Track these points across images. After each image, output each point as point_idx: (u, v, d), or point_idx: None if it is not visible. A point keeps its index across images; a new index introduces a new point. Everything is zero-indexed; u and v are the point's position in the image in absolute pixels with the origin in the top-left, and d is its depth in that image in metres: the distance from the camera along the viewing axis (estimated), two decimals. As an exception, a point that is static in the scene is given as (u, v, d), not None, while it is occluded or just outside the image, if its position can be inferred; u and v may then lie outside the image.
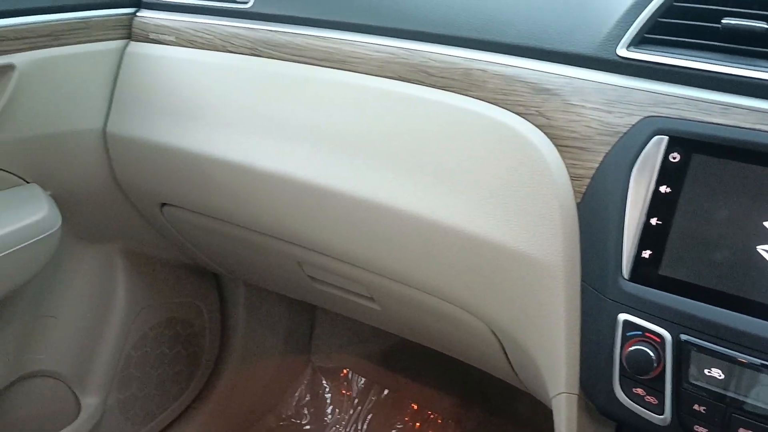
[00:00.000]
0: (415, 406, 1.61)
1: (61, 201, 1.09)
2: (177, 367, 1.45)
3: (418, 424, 1.59)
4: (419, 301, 0.96)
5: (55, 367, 1.25)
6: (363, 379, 1.66)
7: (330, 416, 1.65)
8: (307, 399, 1.68)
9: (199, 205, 1.10)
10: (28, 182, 1.07)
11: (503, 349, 0.92)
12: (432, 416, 1.60)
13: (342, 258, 0.98)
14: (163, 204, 1.16)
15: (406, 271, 0.91)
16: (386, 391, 1.64)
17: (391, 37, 0.90)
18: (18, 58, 0.96)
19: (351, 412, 1.64)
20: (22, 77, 0.97)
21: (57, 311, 1.23)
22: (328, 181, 0.92)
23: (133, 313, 1.33)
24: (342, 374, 1.68)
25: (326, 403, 1.66)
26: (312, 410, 1.66)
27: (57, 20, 1.00)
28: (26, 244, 0.99)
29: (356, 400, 1.65)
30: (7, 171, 1.03)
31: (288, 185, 0.95)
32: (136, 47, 1.09)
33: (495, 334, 0.90)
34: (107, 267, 1.29)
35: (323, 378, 1.69)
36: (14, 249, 0.97)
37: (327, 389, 1.67)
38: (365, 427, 1.61)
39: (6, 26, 0.94)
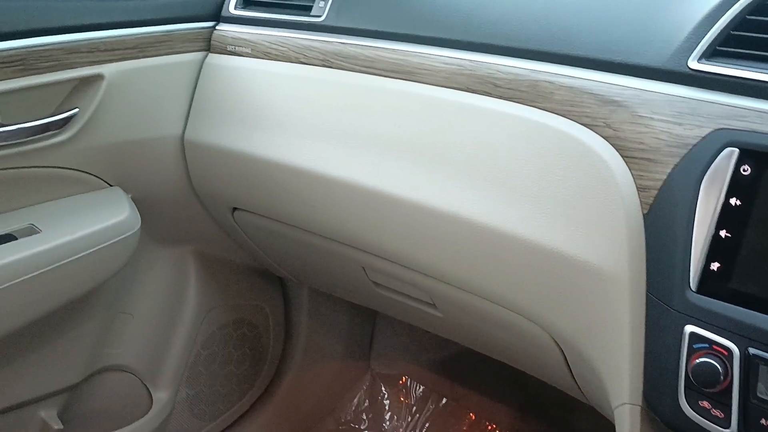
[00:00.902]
0: (473, 416, 1.61)
1: (139, 203, 1.15)
2: (242, 367, 1.50)
3: (475, 434, 1.60)
4: (482, 309, 0.97)
5: (129, 362, 1.31)
6: (422, 387, 1.67)
7: (388, 423, 1.66)
8: (366, 404, 1.70)
9: (269, 209, 1.15)
10: (111, 185, 1.13)
11: (566, 359, 0.92)
12: (490, 427, 1.60)
13: (406, 264, 1.01)
14: (235, 209, 1.21)
15: (470, 279, 0.93)
16: (444, 400, 1.64)
17: (459, 49, 0.92)
18: (107, 69, 1.03)
19: (409, 419, 1.65)
20: (110, 86, 1.03)
21: (133, 309, 1.29)
22: (394, 188, 0.94)
23: (203, 313, 1.38)
24: (401, 381, 1.70)
25: (384, 409, 1.68)
26: (370, 416, 1.68)
27: (143, 33, 1.06)
28: (108, 243, 1.04)
29: (414, 408, 1.66)
30: (92, 174, 1.10)
31: (355, 192, 0.98)
32: (214, 59, 1.14)
33: (558, 344, 0.90)
34: (180, 268, 1.35)
35: (382, 384, 1.71)
36: (97, 248, 1.03)
37: (386, 395, 1.69)
38: (423, 434, 1.62)
39: (97, 38, 1.01)
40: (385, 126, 0.95)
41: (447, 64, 0.92)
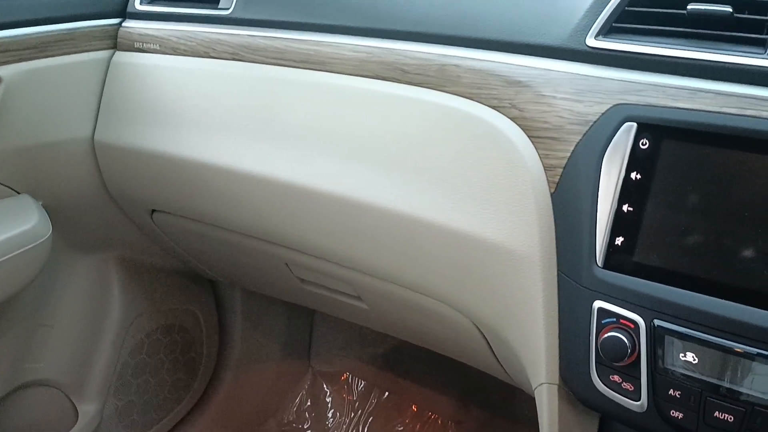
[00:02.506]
0: (416, 408, 1.61)
1: (53, 211, 1.10)
2: (175, 374, 1.46)
3: (418, 425, 1.59)
4: (404, 299, 0.96)
5: (52, 375, 1.26)
6: (363, 383, 1.66)
7: (331, 420, 1.65)
8: (308, 404, 1.68)
9: (188, 210, 1.12)
10: (18, 192, 1.08)
11: (488, 343, 0.92)
12: (433, 417, 1.59)
13: (327, 257, 0.99)
14: (153, 210, 1.18)
15: (389, 269, 0.92)
16: (386, 394, 1.64)
17: (367, 36, 0.91)
18: (5, 71, 0.98)
19: (352, 415, 1.64)
20: (9, 89, 0.98)
21: (53, 320, 1.24)
22: (309, 181, 0.92)
23: (129, 321, 1.34)
24: (342, 378, 1.68)
25: (327, 407, 1.67)
26: (313, 415, 1.66)
27: (43, 32, 1.02)
28: (16, 253, 1.00)
29: (357, 404, 1.65)
30: (-3, 182, 1.05)
31: (271, 186, 0.96)
32: (121, 56, 1.10)
33: (479, 329, 0.90)
34: (102, 275, 1.30)
35: (323, 382, 1.69)
36: (5, 258, 0.98)
37: (327, 393, 1.67)
38: (366, 430, 1.61)
39: (-9, 39, 0.96)
40: (298, 117, 0.93)
41: (356, 52, 0.90)
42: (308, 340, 1.70)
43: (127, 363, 1.35)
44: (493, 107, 0.79)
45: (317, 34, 0.95)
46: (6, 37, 0.98)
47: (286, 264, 1.10)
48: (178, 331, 1.45)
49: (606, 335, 0.67)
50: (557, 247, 0.74)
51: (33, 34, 1.01)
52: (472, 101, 0.81)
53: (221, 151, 1.00)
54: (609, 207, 0.68)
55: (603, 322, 0.68)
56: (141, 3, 1.11)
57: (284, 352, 1.64)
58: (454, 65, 0.83)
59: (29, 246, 1.02)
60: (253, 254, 1.13)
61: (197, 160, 1.03)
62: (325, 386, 1.69)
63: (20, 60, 1.00)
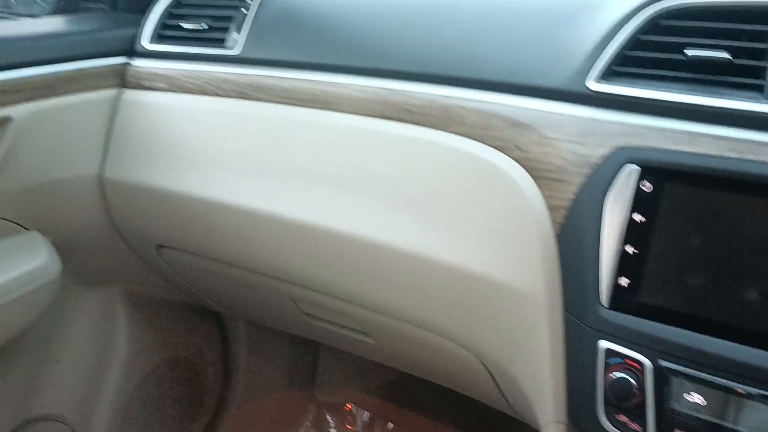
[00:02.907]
0: (420, 439, 1.61)
1: (60, 247, 1.11)
2: (180, 408, 1.46)
3: (423, 456, 1.59)
4: (411, 335, 0.97)
5: (59, 410, 1.26)
6: (367, 414, 1.65)
7: (335, 451, 1.64)
8: (312, 434, 1.68)
9: (194, 246, 1.13)
10: (27, 230, 1.09)
11: (493, 378, 0.92)
12: (437, 449, 1.59)
13: (334, 294, 1.00)
14: (160, 246, 1.19)
15: (396, 306, 0.92)
16: (390, 425, 1.63)
17: (373, 77, 0.92)
18: (15, 110, 0.99)
19: (356, 446, 1.64)
20: (20, 128, 1.00)
21: (60, 355, 1.25)
22: (316, 219, 0.93)
23: (134, 354, 1.34)
24: (346, 409, 1.68)
25: (331, 437, 1.66)
26: (317, 445, 1.66)
27: (53, 72, 1.04)
28: (27, 291, 1.01)
29: (361, 435, 1.64)
30: (6, 219, 1.06)
31: (278, 224, 0.97)
32: (129, 95, 1.12)
33: (484, 365, 0.91)
34: (108, 310, 1.31)
35: (327, 413, 1.69)
36: (15, 296, 0.99)
37: (331, 424, 1.67)
38: (370, 461, 1.60)
39: (3, 80, 0.98)
40: (305, 156, 0.95)
41: (362, 92, 0.92)
42: (312, 371, 1.70)
43: (133, 397, 1.36)
44: (497, 148, 0.81)
45: (323, 73, 0.96)
46: (17, 78, 1.00)
47: (293, 299, 1.11)
48: (183, 364, 1.45)
49: (612, 375, 0.68)
50: (562, 287, 0.74)
51: (43, 74, 1.03)
52: (476, 142, 0.82)
53: (228, 189, 1.01)
54: (613, 248, 0.69)
55: (609, 362, 0.69)
56: (149, 42, 1.13)
57: (288, 382, 1.64)
58: (459, 106, 0.84)
59: (39, 283, 1.03)
60: (259, 289, 1.14)
61: (204, 197, 1.04)
62: (329, 417, 1.68)
63: (30, 99, 1.01)
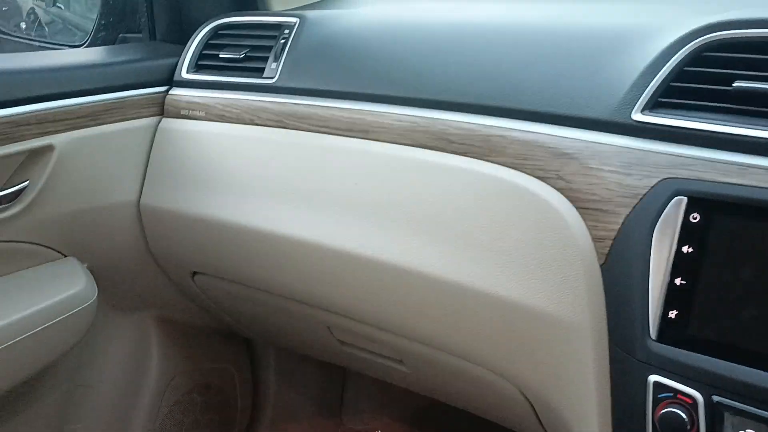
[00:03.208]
0: (448, 468, 1.58)
1: (97, 272, 1.12)
2: (210, 433, 1.46)
3: (452, 486, 1.56)
4: (448, 364, 0.96)
5: (91, 436, 1.26)
6: (395, 441, 1.64)
7: (363, 479, 1.63)
8: (339, 462, 1.66)
9: (229, 272, 1.13)
10: (66, 255, 1.10)
11: (534, 410, 0.91)
12: (466, 478, 1.57)
13: (370, 322, 1.00)
14: (195, 273, 1.19)
15: (434, 335, 0.92)
16: (419, 453, 1.62)
17: (412, 106, 0.93)
18: (57, 139, 1.01)
19: (384, 474, 1.62)
20: (61, 156, 1.01)
21: (93, 381, 1.25)
22: (355, 247, 0.94)
23: (167, 381, 1.34)
24: (373, 436, 1.67)
25: (359, 465, 1.65)
26: (345, 473, 1.65)
27: (95, 101, 1.05)
28: (64, 316, 1.02)
29: (388, 462, 1.63)
30: (46, 246, 1.07)
31: (316, 252, 0.98)
32: (168, 123, 1.13)
33: (525, 396, 0.90)
34: (141, 335, 1.31)
35: (355, 440, 1.67)
36: (53, 322, 1.00)
37: (359, 451, 1.66)
38: (398, 489, 1.58)
39: (47, 109, 1.00)
40: (342, 185, 0.95)
41: (401, 121, 0.93)
42: (340, 397, 1.69)
43: (164, 423, 1.35)
44: (539, 178, 0.80)
45: (361, 103, 0.97)
46: (60, 107, 1.02)
47: (328, 327, 1.11)
48: (214, 390, 1.45)
49: (663, 411, 0.67)
50: (608, 319, 0.74)
51: (85, 103, 1.05)
52: (517, 171, 0.82)
53: (264, 216, 1.02)
54: (661, 280, 0.69)
55: (659, 396, 0.68)
56: (188, 71, 1.15)
57: (317, 408, 1.64)
58: (500, 136, 0.84)
59: (76, 309, 1.04)
60: (294, 317, 1.14)
61: (241, 224, 1.04)
62: (356, 444, 1.67)
63: (72, 128, 1.03)
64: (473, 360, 0.91)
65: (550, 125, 0.82)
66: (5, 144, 0.95)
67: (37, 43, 1.44)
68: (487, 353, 0.88)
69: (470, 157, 0.87)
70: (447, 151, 0.88)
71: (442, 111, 0.90)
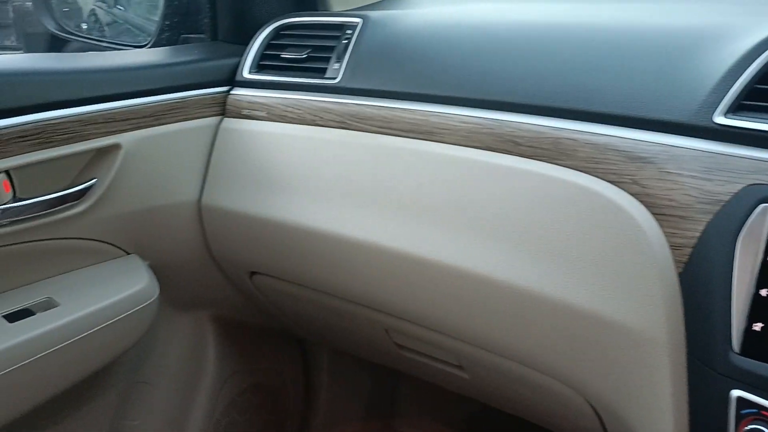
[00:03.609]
0: (501, 476, 1.56)
1: (157, 270, 1.13)
2: (263, 434, 1.47)
3: (504, 494, 1.54)
4: (512, 371, 0.94)
5: (148, 432, 1.28)
6: (446, 446, 1.62)
7: (413, 484, 1.61)
8: (389, 466, 1.65)
9: (288, 273, 1.13)
10: (128, 253, 1.12)
11: (601, 422, 0.88)
12: (518, 487, 1.54)
13: (432, 327, 0.98)
14: (253, 273, 1.20)
15: (500, 341, 0.90)
16: (470, 459, 1.60)
17: (478, 108, 0.91)
18: (123, 138, 1.02)
19: (434, 480, 1.60)
20: (127, 155, 1.03)
21: (151, 378, 1.27)
22: (418, 250, 0.92)
23: (223, 379, 1.35)
24: (424, 440, 1.65)
25: (409, 470, 1.63)
26: (394, 477, 1.63)
27: (158, 101, 1.07)
28: (127, 313, 1.03)
29: (439, 468, 1.61)
30: (110, 243, 1.09)
31: (377, 254, 0.97)
32: (229, 123, 1.14)
33: (593, 407, 0.87)
34: (198, 334, 1.33)
35: (405, 444, 1.66)
36: (117, 318, 1.01)
37: (409, 456, 1.64)
38: (448, 496, 1.56)
39: (114, 109, 1.01)
40: (406, 186, 0.94)
41: (466, 123, 0.91)
42: (391, 401, 1.68)
43: (219, 422, 1.36)
44: (612, 182, 0.78)
45: (426, 104, 0.96)
46: (127, 107, 1.03)
47: (386, 330, 1.10)
48: (267, 390, 1.45)
49: (747, 428, 0.64)
50: (686, 329, 0.71)
51: (150, 103, 1.06)
52: (588, 175, 0.80)
53: (326, 217, 1.02)
54: (745, 290, 0.66)
55: (742, 412, 0.65)
56: (250, 72, 1.15)
57: (367, 411, 1.63)
58: (570, 138, 0.82)
59: (139, 306, 1.05)
60: (352, 319, 1.13)
61: (301, 225, 1.04)
62: (406, 448, 1.66)
63: (137, 128, 1.04)
64: (539, 368, 0.89)
65: (624, 128, 0.79)
66: (74, 142, 0.96)
67: (104, 44, 1.47)
68: (555, 362, 0.86)
69: (538, 159, 0.85)
70: (514, 154, 0.87)
71: (509, 113, 0.89)
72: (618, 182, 0.77)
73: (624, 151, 0.78)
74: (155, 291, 1.08)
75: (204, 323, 1.33)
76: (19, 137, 0.90)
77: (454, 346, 1.00)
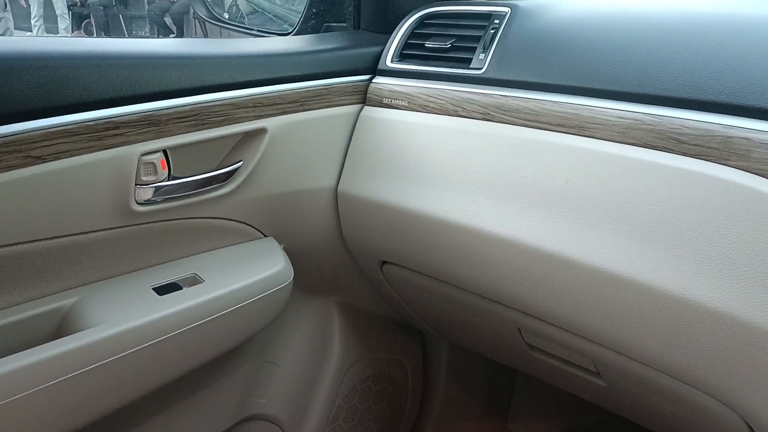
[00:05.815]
0: (621, 490, 1.49)
1: (291, 254, 1.15)
2: (381, 423, 1.47)
3: None
4: (656, 383, 0.89)
5: (274, 411, 1.31)
6: (563, 453, 1.57)
7: (527, 487, 1.57)
8: (502, 466, 1.62)
9: (420, 264, 1.12)
10: (266, 236, 1.15)
11: (760, 446, 0.82)
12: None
13: (570, 329, 0.94)
14: (384, 262, 1.20)
15: (645, 350, 0.85)
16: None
17: (635, 102, 0.87)
18: (269, 122, 1.05)
19: (549, 485, 1.56)
20: (272, 139, 1.05)
21: (278, 358, 1.30)
22: (561, 248, 0.89)
23: (346, 366, 1.37)
24: (540, 445, 1.61)
25: (523, 473, 1.60)
26: (507, 478, 1.60)
27: (304, 87, 1.08)
28: (265, 294, 1.05)
29: (554, 475, 1.56)
30: (250, 225, 1.12)
31: (516, 250, 0.94)
32: (369, 111, 1.14)
33: (750, 427, 0.81)
34: (325, 319, 1.34)
35: (520, 446, 1.62)
36: (255, 298, 1.04)
37: (523, 459, 1.61)
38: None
39: (262, 94, 1.03)
40: (552, 182, 0.91)
41: (622, 118, 0.86)
42: (508, 400, 1.64)
43: (341, 407, 1.38)
44: (793, 188, 0.72)
45: (577, 97, 0.92)
46: (274, 92, 1.05)
47: (518, 328, 1.07)
48: (387, 380, 1.46)
49: None
50: None
51: (295, 89, 1.07)
52: (764, 179, 0.74)
53: (464, 210, 1.00)
54: None
55: None
56: (392, 61, 1.15)
57: (483, 409, 1.60)
58: (743, 138, 0.76)
59: (275, 288, 1.07)
60: (483, 315, 1.11)
61: (438, 216, 1.03)
62: (521, 451, 1.62)
63: (283, 113, 1.06)
64: (689, 382, 0.83)
65: (810, 128, 0.72)
66: (225, 125, 0.99)
67: (253, 31, 1.51)
68: (709, 376, 0.80)
69: (703, 159, 0.79)
70: (676, 152, 0.81)
71: (671, 108, 0.83)
72: (799, 187, 0.71)
73: (809, 153, 0.71)
74: (290, 274, 1.10)
75: (331, 309, 1.35)
76: (178, 118, 0.94)
77: (592, 351, 0.95)
